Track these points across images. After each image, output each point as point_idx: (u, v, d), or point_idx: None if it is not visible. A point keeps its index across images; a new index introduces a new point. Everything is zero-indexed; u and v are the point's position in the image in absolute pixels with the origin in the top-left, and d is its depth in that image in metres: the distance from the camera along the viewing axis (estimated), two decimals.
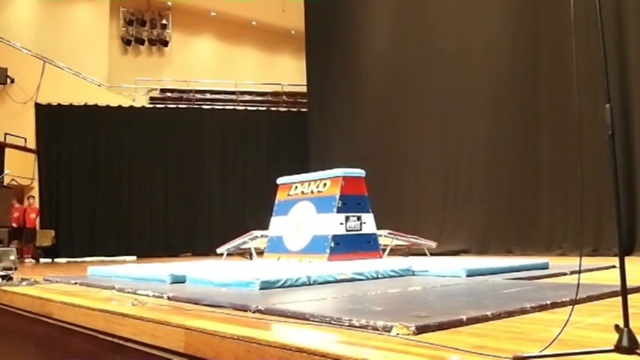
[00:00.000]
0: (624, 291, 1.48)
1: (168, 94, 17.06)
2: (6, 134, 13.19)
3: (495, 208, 9.09)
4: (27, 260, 11.99)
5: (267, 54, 20.63)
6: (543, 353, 1.40)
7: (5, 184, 11.77)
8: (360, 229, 5.47)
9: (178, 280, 3.88)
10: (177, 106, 15.44)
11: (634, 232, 7.12)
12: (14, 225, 12.12)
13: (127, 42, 18.76)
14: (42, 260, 12.84)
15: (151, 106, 15.92)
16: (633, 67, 7.41)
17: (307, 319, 2.08)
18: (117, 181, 14.25)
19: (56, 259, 13.18)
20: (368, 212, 5.60)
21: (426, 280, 3.71)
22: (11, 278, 4.50)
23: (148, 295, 3.16)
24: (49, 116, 14.02)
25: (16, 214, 12.01)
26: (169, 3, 19.11)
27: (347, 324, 1.93)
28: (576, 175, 7.63)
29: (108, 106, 14.49)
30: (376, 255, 5.53)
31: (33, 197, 13.19)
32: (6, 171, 11.56)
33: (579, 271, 3.31)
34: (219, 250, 7.68)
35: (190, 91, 16.88)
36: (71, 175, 13.99)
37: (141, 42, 18.92)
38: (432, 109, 10.34)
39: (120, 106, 14.74)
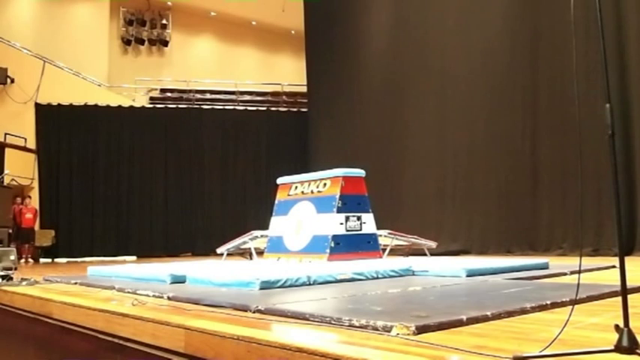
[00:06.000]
0: (624, 291, 1.48)
1: (169, 94, 17.08)
2: (6, 134, 13.19)
3: (495, 208, 9.09)
4: (21, 261, 11.92)
5: (267, 54, 20.64)
6: (543, 353, 1.40)
7: (5, 184, 11.78)
8: (360, 229, 5.47)
9: (178, 280, 3.88)
10: (177, 106, 15.45)
11: (634, 232, 7.12)
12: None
13: (127, 42, 18.77)
14: (42, 260, 12.84)
15: (151, 106, 15.93)
16: (633, 67, 7.41)
17: (307, 319, 2.08)
18: (117, 181, 14.25)
19: (56, 259, 13.19)
20: (368, 212, 5.60)
21: (426, 280, 3.71)
22: (11, 278, 4.50)
23: (148, 295, 3.16)
24: (49, 116, 14.03)
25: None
26: (169, 3, 19.11)
27: (347, 324, 1.93)
28: (576, 175, 7.63)
29: (108, 106, 14.50)
30: (376, 255, 5.53)
31: (30, 197, 13.16)
32: (6, 171, 11.56)
33: (579, 271, 3.31)
34: (219, 250, 7.68)
35: (190, 91, 16.88)
36: (71, 175, 13.99)
37: (141, 42, 18.93)
38: (431, 109, 10.34)
39: (120, 106, 14.74)
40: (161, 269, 4.45)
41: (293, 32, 19.48)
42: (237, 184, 14.76)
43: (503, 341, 1.64)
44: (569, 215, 7.95)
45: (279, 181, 6.40)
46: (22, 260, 11.48)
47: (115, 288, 3.62)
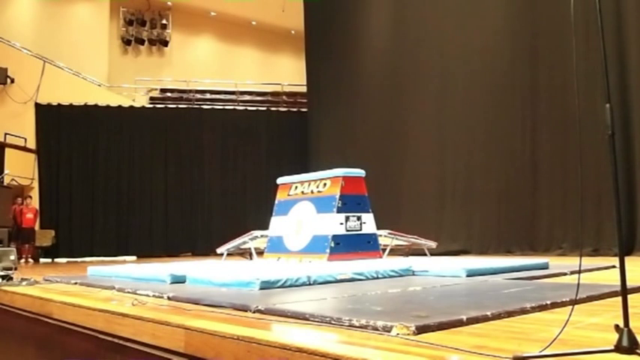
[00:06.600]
0: (624, 291, 1.48)
1: (168, 94, 17.07)
2: (6, 134, 13.18)
3: (495, 208, 9.09)
4: (21, 261, 11.87)
5: (267, 54, 20.64)
6: (543, 353, 1.40)
7: (5, 184, 11.77)
8: (360, 229, 5.47)
9: (178, 280, 3.88)
10: (177, 106, 15.45)
11: (634, 232, 7.12)
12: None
13: (127, 42, 18.78)
14: (42, 260, 12.84)
15: (151, 106, 15.92)
16: (633, 66, 7.41)
17: (307, 319, 2.08)
18: (117, 181, 14.25)
19: (56, 259, 13.19)
20: (368, 212, 5.60)
21: (426, 280, 3.71)
22: (11, 278, 4.50)
23: (148, 295, 3.16)
24: (49, 116, 14.02)
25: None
26: (169, 3, 19.11)
27: (347, 324, 1.93)
28: (576, 175, 7.63)
29: (108, 106, 14.49)
30: (376, 255, 5.53)
31: (30, 197, 13.16)
32: (6, 171, 11.56)
33: (579, 271, 3.31)
34: (219, 250, 7.68)
35: (190, 91, 16.88)
36: (71, 175, 13.98)
37: (141, 42, 18.93)
38: (431, 109, 10.34)
39: (120, 106, 14.73)
40: (161, 269, 4.45)
41: (293, 32, 19.47)
42: (237, 184, 14.76)
43: (503, 341, 1.64)
44: (569, 215, 7.95)
45: (279, 181, 6.40)
46: (22, 260, 11.46)
47: (115, 288, 3.62)
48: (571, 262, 5.71)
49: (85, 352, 2.95)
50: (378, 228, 5.81)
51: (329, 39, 13.27)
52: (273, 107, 16.02)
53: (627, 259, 1.82)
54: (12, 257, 4.69)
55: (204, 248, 12.92)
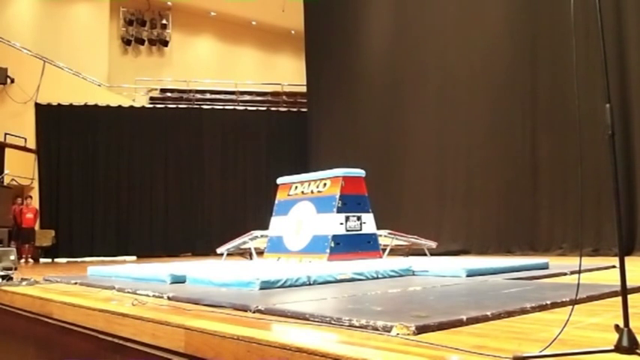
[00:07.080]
0: (624, 291, 1.48)
1: (168, 94, 17.07)
2: (6, 134, 13.19)
3: (495, 208, 9.09)
4: (21, 261, 11.83)
5: (267, 54, 20.64)
6: (543, 353, 1.40)
7: (5, 184, 11.78)
8: (360, 229, 5.47)
9: (178, 280, 3.88)
10: (177, 106, 15.45)
11: (634, 232, 7.12)
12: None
13: (127, 42, 18.78)
14: (42, 260, 12.84)
15: (151, 106, 15.92)
16: (633, 66, 7.41)
17: (307, 319, 2.08)
18: (117, 181, 14.25)
19: (56, 259, 13.19)
20: (368, 212, 5.60)
21: (426, 280, 3.71)
22: (11, 278, 4.50)
23: (148, 295, 3.16)
24: (49, 116, 14.03)
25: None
26: (169, 3, 19.12)
27: (347, 324, 1.93)
28: (576, 175, 7.63)
29: (108, 106, 14.50)
30: (376, 255, 5.53)
31: (30, 197, 13.15)
32: (6, 171, 11.56)
33: (579, 271, 3.31)
34: (219, 250, 7.68)
35: (190, 91, 16.88)
36: (71, 175, 13.99)
37: (141, 42, 18.93)
38: (431, 109, 10.34)
39: (120, 106, 14.74)
40: (161, 269, 4.45)
41: (293, 32, 19.48)
42: (237, 184, 14.76)
43: (503, 341, 1.64)
44: (569, 215, 7.96)
45: (279, 181, 6.40)
46: (22, 260, 11.44)
47: (115, 288, 3.62)
48: (571, 262, 5.71)
49: (85, 352, 2.95)
50: (378, 228, 5.80)
51: (329, 39, 13.27)
52: (273, 107, 16.02)
53: (627, 259, 1.83)
54: (12, 257, 4.69)
55: (204, 248, 12.92)
